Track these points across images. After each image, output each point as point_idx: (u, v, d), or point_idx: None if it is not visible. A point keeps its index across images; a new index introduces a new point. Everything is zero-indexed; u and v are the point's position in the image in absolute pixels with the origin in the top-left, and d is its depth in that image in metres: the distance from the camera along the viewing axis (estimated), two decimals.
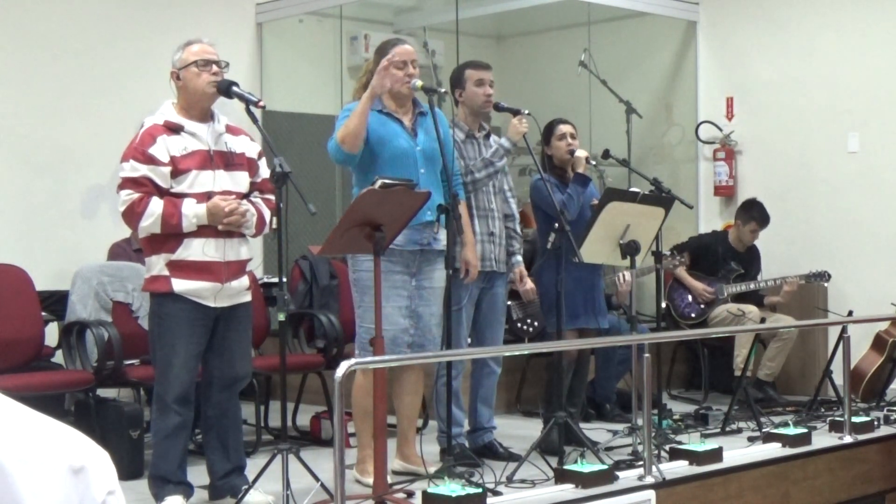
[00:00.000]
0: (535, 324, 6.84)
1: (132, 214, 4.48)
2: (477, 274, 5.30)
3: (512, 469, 4.91)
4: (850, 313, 6.86)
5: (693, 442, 5.46)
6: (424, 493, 4.41)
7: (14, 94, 7.43)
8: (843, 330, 6.14)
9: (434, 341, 5.05)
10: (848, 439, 5.89)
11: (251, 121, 4.60)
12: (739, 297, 7.64)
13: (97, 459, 1.28)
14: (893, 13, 8.12)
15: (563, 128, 6.04)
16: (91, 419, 5.42)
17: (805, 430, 5.85)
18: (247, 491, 4.57)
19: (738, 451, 5.60)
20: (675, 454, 5.33)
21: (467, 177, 5.38)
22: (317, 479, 4.50)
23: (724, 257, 7.69)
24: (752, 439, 5.90)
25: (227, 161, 4.61)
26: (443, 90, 5.03)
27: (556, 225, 5.30)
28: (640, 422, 5.17)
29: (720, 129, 8.83)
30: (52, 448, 1.24)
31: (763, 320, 7.31)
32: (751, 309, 7.46)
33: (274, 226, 4.74)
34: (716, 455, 5.29)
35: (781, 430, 5.82)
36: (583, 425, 5.98)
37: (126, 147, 4.56)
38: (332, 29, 9.11)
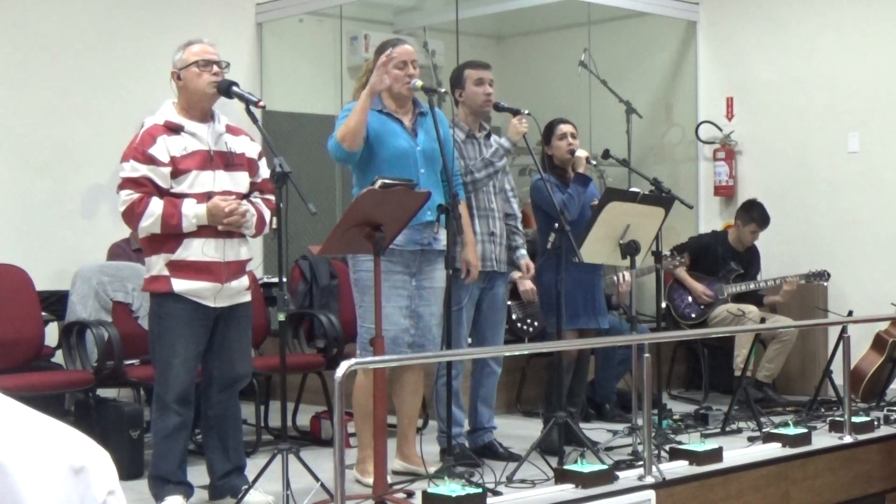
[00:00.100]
0: (535, 324, 6.84)
1: (132, 215, 4.48)
2: (478, 274, 5.31)
3: (512, 469, 4.92)
4: (850, 313, 6.86)
5: (693, 442, 5.46)
6: (424, 493, 4.41)
7: (14, 94, 7.42)
8: (843, 330, 6.14)
9: (434, 341, 5.05)
10: (848, 439, 5.89)
11: (251, 121, 4.60)
12: (739, 297, 7.64)
13: (98, 459, 1.28)
14: (893, 13, 8.12)
15: (564, 127, 6.04)
16: (91, 419, 5.42)
17: (805, 430, 5.85)
18: (247, 491, 4.57)
19: (738, 451, 5.60)
20: (675, 454, 5.33)
21: (467, 177, 5.38)
22: (317, 479, 4.50)
23: (724, 257, 7.70)
24: (752, 439, 5.90)
25: (228, 161, 4.61)
26: (443, 90, 5.04)
27: (556, 225, 5.30)
28: (640, 422, 5.17)
29: (720, 129, 8.83)
30: (52, 448, 1.24)
31: (763, 320, 7.32)
32: (751, 309, 7.47)
33: (274, 226, 4.74)
34: (716, 455, 5.29)
35: (781, 430, 5.82)
36: (583, 425, 5.98)
37: (126, 147, 4.56)
38: (332, 29, 9.11)
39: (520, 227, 5.79)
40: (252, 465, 4.80)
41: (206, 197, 4.50)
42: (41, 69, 7.53)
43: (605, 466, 4.90)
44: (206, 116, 4.64)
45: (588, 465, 4.82)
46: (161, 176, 4.48)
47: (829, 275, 7.61)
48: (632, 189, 6.31)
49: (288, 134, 8.39)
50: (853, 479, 5.86)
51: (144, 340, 4.84)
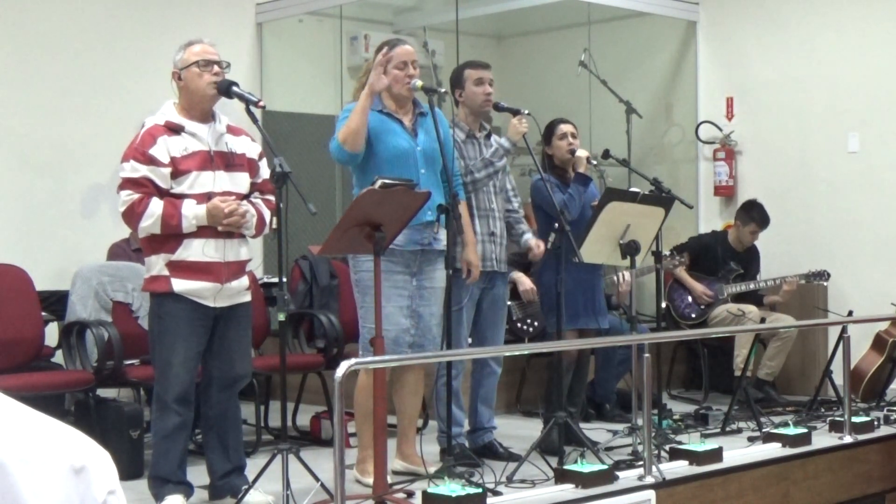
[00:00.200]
0: (536, 324, 6.84)
1: (132, 215, 4.48)
2: (479, 274, 5.31)
3: (512, 469, 4.92)
4: (850, 313, 6.86)
5: (693, 442, 5.46)
6: (424, 493, 4.41)
7: (14, 94, 7.42)
8: (843, 330, 6.14)
9: (434, 341, 5.05)
10: (848, 439, 5.89)
11: (251, 121, 4.60)
12: (739, 297, 7.64)
13: (98, 459, 1.28)
14: (893, 13, 8.12)
15: (564, 127, 6.05)
16: (91, 419, 5.42)
17: (805, 430, 5.85)
18: (247, 491, 4.57)
19: (738, 451, 5.60)
20: (675, 454, 5.33)
21: (467, 177, 5.38)
22: (317, 479, 4.50)
23: (724, 257, 7.70)
24: (752, 439, 5.90)
25: (228, 162, 4.61)
26: (443, 90, 5.04)
27: (557, 225, 5.30)
28: (640, 422, 5.17)
29: (720, 129, 8.82)
30: (53, 448, 1.24)
31: (763, 320, 7.32)
32: (751, 309, 7.47)
33: (274, 226, 4.74)
34: (716, 455, 5.29)
35: (781, 430, 5.82)
36: (583, 425, 5.98)
37: (126, 147, 4.56)
38: (332, 29, 9.11)
39: (521, 216, 5.79)
40: (252, 465, 4.80)
41: (206, 197, 4.50)
42: (41, 69, 7.53)
43: (605, 466, 4.90)
44: (207, 117, 4.64)
45: (588, 465, 4.82)
46: (161, 176, 4.48)
47: (829, 275, 7.61)
48: (632, 189, 6.31)
49: (288, 134, 8.39)
50: (853, 479, 5.86)
51: (144, 340, 4.84)
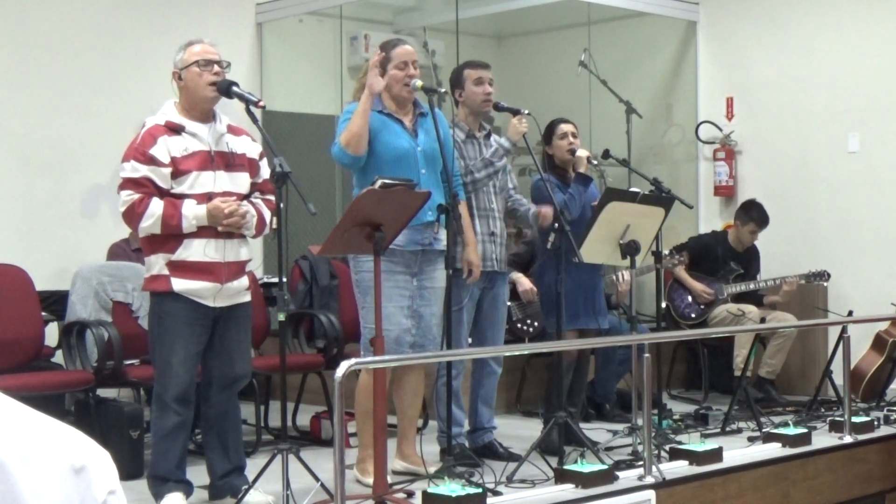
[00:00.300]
0: (535, 324, 6.84)
1: (132, 215, 4.48)
2: (480, 274, 5.31)
3: (512, 469, 4.92)
4: (850, 313, 6.86)
5: (693, 442, 5.46)
6: (424, 493, 4.41)
7: (14, 94, 7.43)
8: (843, 330, 6.14)
9: (435, 341, 5.06)
10: (848, 439, 5.89)
11: (251, 121, 4.60)
12: (739, 297, 7.64)
13: (98, 459, 1.28)
14: (893, 13, 8.12)
15: (565, 127, 6.05)
16: (91, 419, 5.42)
17: (805, 430, 5.84)
18: (247, 491, 4.57)
19: (738, 451, 5.60)
20: (675, 454, 5.33)
21: (467, 177, 5.38)
22: (317, 479, 4.50)
23: (724, 257, 7.70)
24: (752, 439, 5.90)
25: (228, 162, 4.61)
26: (443, 90, 5.04)
27: (557, 225, 5.30)
28: (640, 422, 5.17)
29: (720, 129, 8.83)
30: (53, 447, 1.24)
31: (763, 320, 7.31)
32: (751, 309, 7.47)
33: (274, 226, 4.74)
34: (716, 455, 5.29)
35: (781, 430, 5.82)
36: (583, 425, 5.98)
37: (127, 147, 4.56)
38: (332, 29, 9.11)
39: (521, 198, 5.80)
40: (252, 465, 4.80)
41: (206, 198, 4.50)
42: (41, 69, 7.53)
43: (605, 466, 4.90)
44: (208, 117, 4.64)
45: (588, 465, 4.82)
46: (161, 176, 4.48)
47: (829, 275, 7.61)
48: (632, 189, 6.31)
49: (288, 134, 8.39)
50: (853, 479, 5.86)
51: (144, 340, 4.84)
